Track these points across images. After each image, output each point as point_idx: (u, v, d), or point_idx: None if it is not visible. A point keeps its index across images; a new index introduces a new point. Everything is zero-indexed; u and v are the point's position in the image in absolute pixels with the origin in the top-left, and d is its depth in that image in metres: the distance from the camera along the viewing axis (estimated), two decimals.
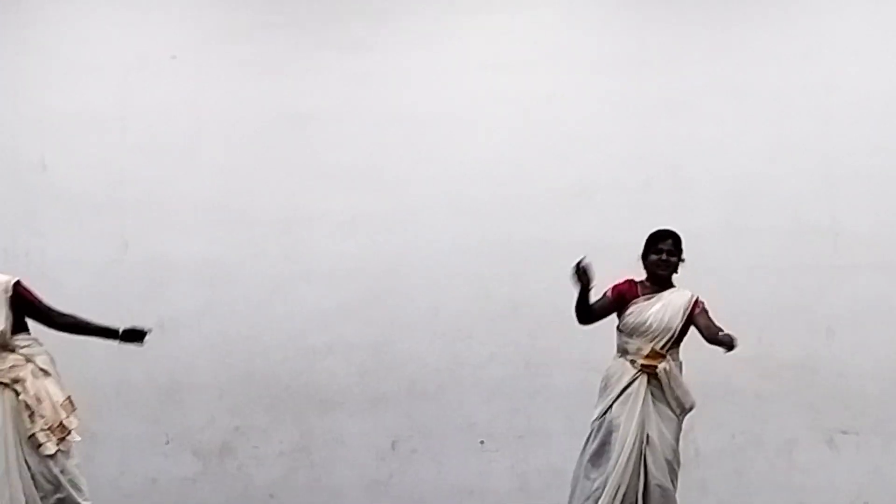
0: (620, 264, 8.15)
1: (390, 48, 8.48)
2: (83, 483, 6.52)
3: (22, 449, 6.41)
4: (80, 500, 6.45)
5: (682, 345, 6.82)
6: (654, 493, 6.61)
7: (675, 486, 6.68)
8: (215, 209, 8.39)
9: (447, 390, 8.30)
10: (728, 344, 6.42)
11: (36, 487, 6.40)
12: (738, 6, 8.48)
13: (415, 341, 8.34)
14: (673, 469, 6.68)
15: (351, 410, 8.35)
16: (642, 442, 6.62)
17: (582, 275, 6.64)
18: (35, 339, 6.62)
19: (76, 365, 6.80)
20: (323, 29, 8.50)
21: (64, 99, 8.46)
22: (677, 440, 6.74)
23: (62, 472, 6.44)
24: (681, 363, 6.81)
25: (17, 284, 6.56)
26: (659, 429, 6.66)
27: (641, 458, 6.61)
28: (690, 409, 6.76)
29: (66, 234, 8.34)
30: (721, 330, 6.56)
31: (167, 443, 8.33)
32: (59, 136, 8.44)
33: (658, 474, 6.61)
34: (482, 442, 8.33)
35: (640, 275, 6.87)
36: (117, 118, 8.43)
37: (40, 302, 6.61)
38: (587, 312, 6.78)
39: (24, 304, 6.57)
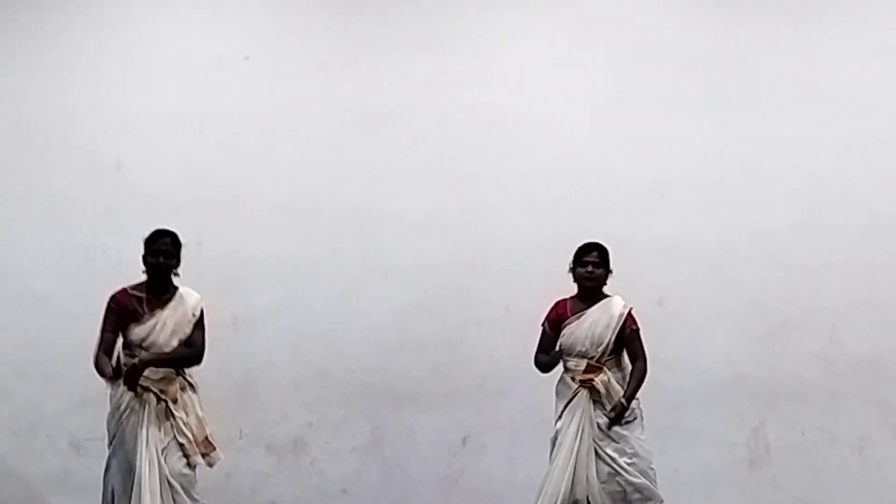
0: (696, 261, 8.26)
1: (465, 47, 8.53)
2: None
3: (160, 457, 6.48)
4: None
5: (623, 353, 6.93)
6: (629, 491, 6.72)
7: (650, 478, 6.76)
8: (291, 207, 8.46)
9: (518, 387, 8.25)
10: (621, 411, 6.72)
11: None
12: (813, 4, 8.48)
13: (487, 338, 8.39)
14: (640, 463, 6.75)
15: (423, 406, 8.41)
16: (589, 450, 6.73)
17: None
18: None
19: None
20: (397, 28, 8.55)
21: (141, 99, 8.54)
22: (639, 436, 6.81)
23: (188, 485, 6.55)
24: (625, 369, 6.90)
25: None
26: (614, 434, 6.74)
27: (590, 466, 6.73)
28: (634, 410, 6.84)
29: (144, 232, 8.26)
30: (641, 371, 6.81)
31: (241, 438, 8.40)
32: (137, 136, 8.52)
33: (626, 475, 6.70)
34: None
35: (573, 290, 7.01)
36: (194, 118, 8.51)
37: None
38: (549, 365, 7.01)
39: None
